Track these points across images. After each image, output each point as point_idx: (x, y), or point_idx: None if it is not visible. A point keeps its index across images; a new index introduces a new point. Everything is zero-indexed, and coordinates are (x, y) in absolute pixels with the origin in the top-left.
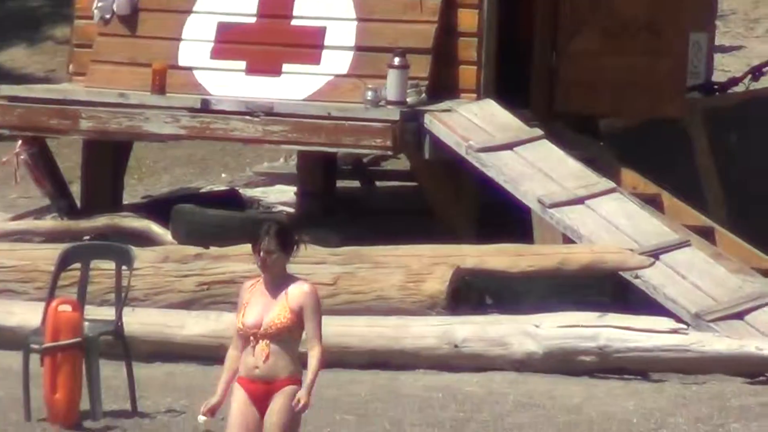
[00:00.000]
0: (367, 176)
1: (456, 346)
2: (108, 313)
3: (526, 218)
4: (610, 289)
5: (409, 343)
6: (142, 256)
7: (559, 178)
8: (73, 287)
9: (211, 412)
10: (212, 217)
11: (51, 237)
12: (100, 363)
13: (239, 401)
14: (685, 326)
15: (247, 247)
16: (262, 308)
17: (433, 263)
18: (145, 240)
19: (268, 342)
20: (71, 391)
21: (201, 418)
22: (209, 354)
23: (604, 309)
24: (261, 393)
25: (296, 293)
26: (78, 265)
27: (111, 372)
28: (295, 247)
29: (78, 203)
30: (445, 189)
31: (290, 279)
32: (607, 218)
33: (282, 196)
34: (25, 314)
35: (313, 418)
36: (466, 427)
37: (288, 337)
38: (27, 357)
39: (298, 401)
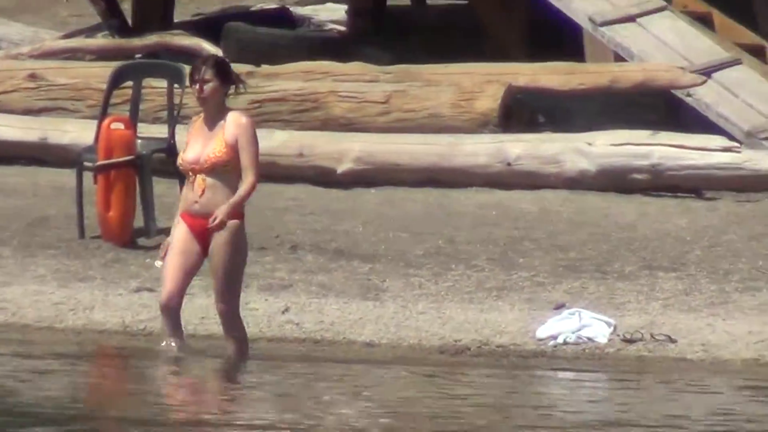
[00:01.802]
0: None
1: (509, 164)
2: (161, 131)
3: (576, 36)
4: (663, 108)
5: (461, 160)
6: None
7: None
8: (125, 105)
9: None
10: (264, 35)
11: (102, 55)
12: (153, 180)
13: (181, 233)
14: (737, 144)
15: (299, 65)
16: (202, 143)
17: (485, 81)
18: (197, 58)
19: (204, 177)
20: (125, 208)
21: (158, 263)
22: (262, 171)
23: (657, 127)
24: (202, 227)
25: (231, 126)
26: (130, 83)
27: (164, 189)
28: (234, 82)
29: (129, 21)
30: (496, 6)
31: (227, 112)
32: (658, 36)
33: (332, 14)
34: (78, 132)
35: (368, 235)
36: (520, 245)
37: (224, 170)
38: (80, 175)
39: (215, 218)
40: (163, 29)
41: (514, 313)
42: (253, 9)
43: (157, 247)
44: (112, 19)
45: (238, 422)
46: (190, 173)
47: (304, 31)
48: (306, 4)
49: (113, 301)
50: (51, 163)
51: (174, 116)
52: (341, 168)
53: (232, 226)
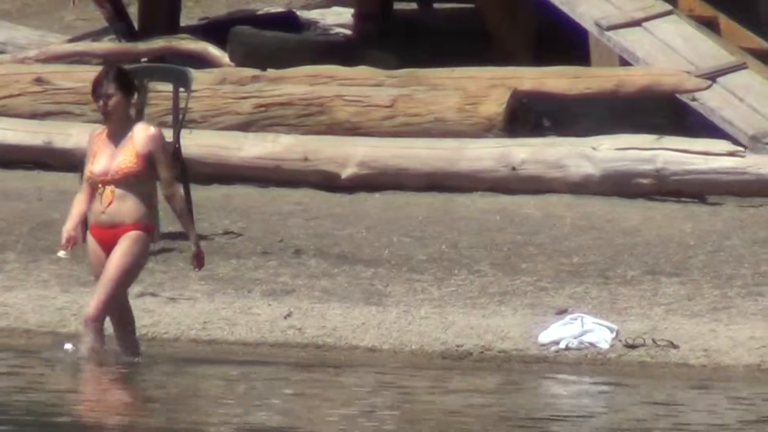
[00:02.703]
0: None
1: (514, 168)
2: (165, 135)
3: (582, 40)
4: (667, 112)
5: (466, 165)
6: (200, 78)
7: (615, 0)
8: (130, 109)
9: (66, 245)
10: (269, 39)
11: (108, 59)
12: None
13: (92, 250)
14: (742, 149)
15: (305, 69)
16: (109, 155)
17: (491, 85)
18: (203, 62)
19: (113, 188)
20: None
21: (61, 253)
22: (266, 176)
23: (661, 132)
24: (107, 238)
25: (142, 137)
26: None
27: None
28: (136, 90)
29: (135, 25)
30: (501, 11)
31: (133, 123)
32: (663, 40)
33: (339, 18)
34: (83, 136)
35: (371, 240)
36: (523, 249)
37: (135, 182)
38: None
39: (196, 260)
40: (169, 33)
41: (517, 318)
42: (259, 13)
43: (161, 251)
44: (118, 23)
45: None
46: (99, 185)
47: (310, 35)
48: (312, 8)
49: None
50: (55, 167)
51: (179, 120)
52: (345, 172)
53: (135, 235)
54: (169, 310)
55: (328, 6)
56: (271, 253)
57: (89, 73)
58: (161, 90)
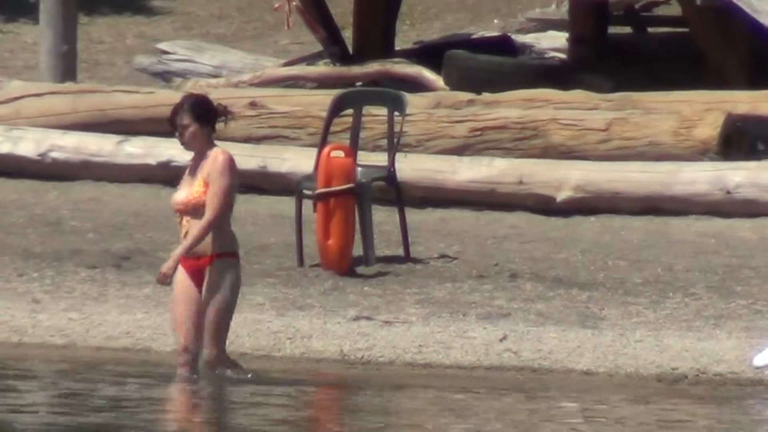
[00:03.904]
0: (638, 22)
1: (728, 191)
2: (380, 159)
3: None
4: None
5: (681, 188)
6: (415, 101)
7: None
8: (345, 133)
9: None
10: (485, 62)
11: (323, 83)
12: (372, 209)
13: (179, 278)
14: None
15: (520, 93)
16: (188, 185)
17: (705, 109)
18: (417, 85)
19: (188, 218)
20: (344, 236)
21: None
22: (481, 199)
23: None
24: (193, 269)
25: (209, 164)
26: (350, 110)
27: (383, 218)
28: (217, 116)
29: (350, 49)
30: (716, 34)
31: (212, 150)
32: None
33: (553, 42)
34: (298, 160)
35: (586, 263)
36: (738, 273)
37: (203, 211)
38: (300, 203)
39: (161, 272)
40: (383, 57)
41: (732, 342)
42: (474, 36)
43: (376, 275)
44: (333, 46)
45: None
46: (179, 215)
47: (525, 58)
48: (527, 32)
49: (332, 330)
50: (270, 191)
51: (394, 144)
52: (561, 196)
53: (219, 266)
54: (384, 334)
55: (543, 30)
56: (486, 277)
57: (304, 97)
58: (376, 114)
